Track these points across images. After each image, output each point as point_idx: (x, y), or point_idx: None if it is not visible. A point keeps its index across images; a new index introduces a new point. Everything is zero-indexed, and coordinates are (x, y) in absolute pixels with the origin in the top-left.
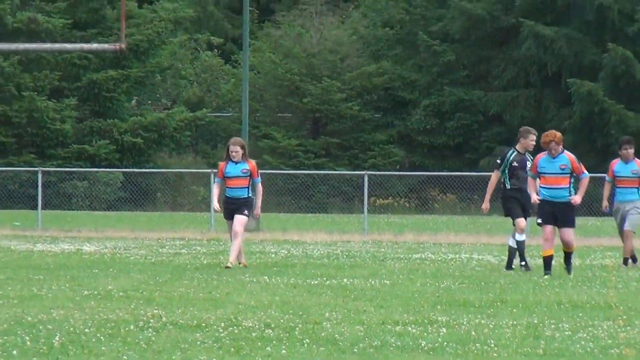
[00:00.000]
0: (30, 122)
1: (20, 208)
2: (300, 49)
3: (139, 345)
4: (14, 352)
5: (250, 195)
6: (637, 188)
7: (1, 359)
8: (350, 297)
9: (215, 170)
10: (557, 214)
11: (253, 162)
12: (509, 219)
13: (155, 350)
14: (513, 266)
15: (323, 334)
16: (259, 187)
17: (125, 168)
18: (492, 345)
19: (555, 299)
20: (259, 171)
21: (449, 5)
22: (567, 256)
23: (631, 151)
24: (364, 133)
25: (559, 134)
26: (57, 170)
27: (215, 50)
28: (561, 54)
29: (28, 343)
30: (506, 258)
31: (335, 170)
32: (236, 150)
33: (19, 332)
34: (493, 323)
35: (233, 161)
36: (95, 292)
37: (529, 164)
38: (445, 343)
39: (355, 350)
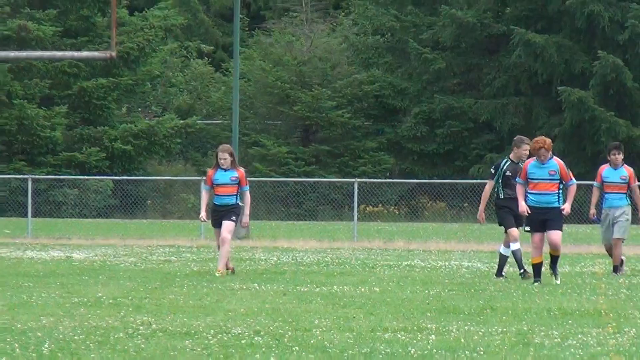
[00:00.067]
0: (21, 129)
1: (10, 216)
2: (290, 56)
3: (129, 353)
4: (3, 359)
5: (238, 202)
6: (625, 194)
7: None
8: (339, 304)
9: (205, 178)
10: (546, 219)
11: (242, 169)
12: (497, 227)
13: (145, 357)
14: (503, 273)
15: (312, 341)
16: (247, 195)
17: (115, 175)
18: (482, 352)
19: (545, 306)
20: (248, 179)
21: (440, 13)
22: (554, 260)
23: (620, 157)
24: (354, 141)
25: (548, 141)
26: (47, 177)
27: (206, 58)
28: (551, 62)
29: (17, 350)
30: (496, 265)
31: (325, 177)
32: (225, 158)
33: (8, 339)
34: (482, 330)
35: (222, 168)
36: (85, 300)
37: None
38: (434, 350)
39: (345, 357)
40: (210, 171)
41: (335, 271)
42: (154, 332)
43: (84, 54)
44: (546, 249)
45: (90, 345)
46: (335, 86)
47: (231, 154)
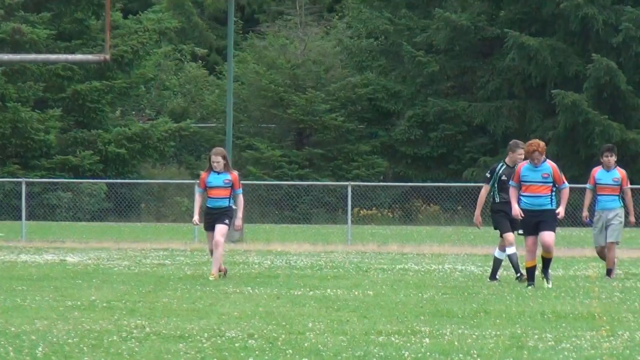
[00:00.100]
0: (14, 132)
1: (4, 219)
2: (284, 59)
3: (122, 356)
4: None
5: (231, 205)
6: (618, 196)
7: None
8: (333, 307)
9: (198, 181)
10: (539, 221)
11: (235, 172)
12: (491, 230)
13: None
14: (497, 277)
15: (306, 345)
16: (241, 198)
17: (109, 179)
18: (475, 355)
19: (539, 310)
20: (241, 182)
21: (434, 16)
22: (546, 264)
23: (612, 159)
24: (348, 144)
25: (542, 144)
26: (41, 181)
27: (200, 61)
28: (545, 65)
29: (11, 354)
30: (489, 269)
31: (319, 181)
32: (218, 161)
33: (2, 342)
34: (476, 333)
35: (215, 171)
36: (79, 303)
37: None
38: (428, 353)
39: None
40: (203, 174)
41: (329, 274)
42: (148, 335)
43: (78, 57)
44: (540, 252)
45: (84, 348)
46: (329, 89)
47: (224, 157)
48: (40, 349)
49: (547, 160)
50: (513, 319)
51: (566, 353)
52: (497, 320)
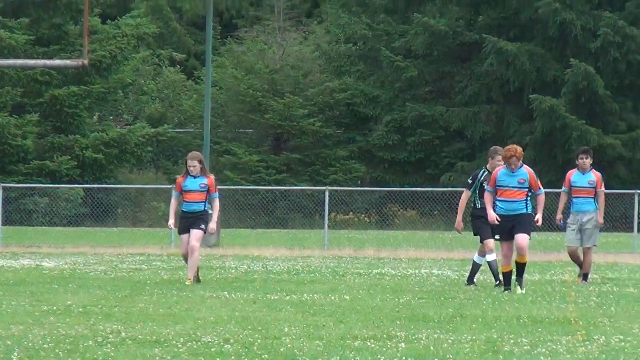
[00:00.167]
0: None
1: None
2: (262, 64)
3: None
4: None
5: (207, 209)
6: (594, 198)
7: None
8: (309, 312)
9: (175, 185)
10: (514, 225)
11: (211, 176)
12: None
13: None
14: (474, 281)
15: (282, 349)
16: (217, 202)
17: (86, 184)
18: None
19: (515, 314)
20: (218, 187)
21: (412, 21)
22: (520, 270)
23: (588, 161)
24: (326, 149)
25: (520, 149)
26: (18, 186)
27: (178, 66)
28: (523, 70)
29: None
30: (466, 273)
31: (296, 185)
32: (194, 165)
33: None
34: (452, 338)
35: (191, 175)
36: (55, 308)
37: None
38: (404, 358)
39: None
40: (179, 178)
41: (305, 279)
42: (124, 340)
43: (56, 62)
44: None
45: (60, 353)
46: (307, 94)
47: (200, 162)
48: (15, 354)
49: (524, 165)
50: (489, 324)
51: (542, 358)
52: (473, 325)
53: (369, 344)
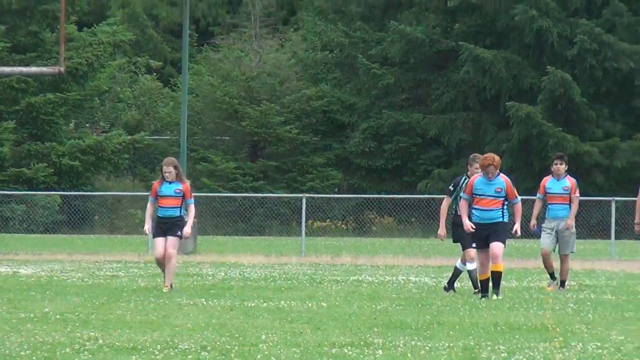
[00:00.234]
0: None
1: None
2: (239, 72)
3: None
4: None
5: (182, 215)
6: (569, 204)
7: None
8: (287, 319)
9: (151, 191)
10: (489, 233)
11: (187, 182)
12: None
13: None
14: (454, 286)
15: (259, 356)
16: (192, 208)
17: (63, 191)
18: None
19: (492, 321)
20: (195, 194)
21: (389, 29)
22: (496, 280)
23: (562, 167)
24: (302, 156)
25: (497, 158)
26: None
27: (154, 73)
28: (500, 77)
29: None
30: (443, 280)
31: (273, 193)
32: (169, 171)
33: None
34: (429, 345)
35: (167, 181)
36: (32, 315)
37: None
38: None
39: None
40: (155, 183)
41: (282, 286)
42: (101, 347)
43: (33, 69)
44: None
45: None
46: (284, 102)
47: (176, 167)
48: None
49: (501, 174)
50: (466, 331)
51: None
52: (451, 332)
53: (346, 351)
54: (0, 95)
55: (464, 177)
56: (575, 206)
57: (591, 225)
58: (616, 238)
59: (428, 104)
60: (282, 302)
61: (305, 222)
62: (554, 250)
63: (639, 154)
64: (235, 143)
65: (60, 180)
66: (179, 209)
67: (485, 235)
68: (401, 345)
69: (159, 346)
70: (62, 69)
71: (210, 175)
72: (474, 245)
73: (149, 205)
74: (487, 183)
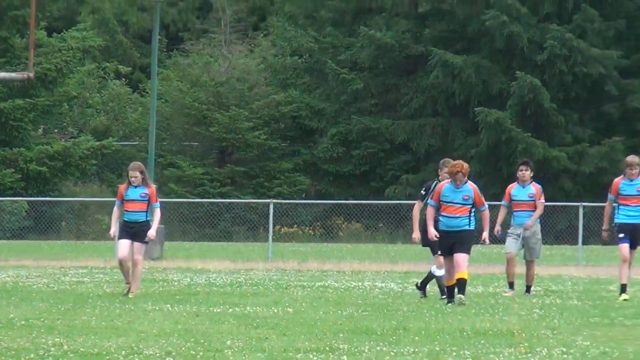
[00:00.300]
0: None
1: None
2: (208, 77)
3: None
4: None
5: (148, 219)
6: (534, 211)
7: None
8: (252, 324)
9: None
10: (455, 242)
11: (153, 187)
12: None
13: None
14: (426, 289)
15: None
16: (157, 212)
17: (30, 197)
18: None
19: (458, 327)
20: (163, 199)
21: (359, 34)
22: (461, 286)
23: (527, 173)
24: (270, 162)
25: (466, 165)
26: None
27: (123, 79)
28: (469, 82)
29: None
30: (409, 286)
31: (240, 198)
32: (135, 176)
33: None
34: (394, 350)
35: (133, 185)
36: None
37: None
38: None
39: None
40: (121, 187)
41: (248, 292)
42: (66, 353)
43: (1, 74)
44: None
45: None
46: (253, 107)
47: (142, 172)
48: None
49: (469, 182)
50: (432, 336)
51: None
52: (416, 338)
53: (311, 356)
54: None
55: (435, 182)
56: (539, 211)
57: (558, 230)
58: (583, 243)
59: (397, 109)
60: (248, 307)
61: (273, 227)
62: (517, 253)
63: (607, 160)
64: (203, 149)
65: (28, 186)
66: (145, 213)
67: (450, 244)
68: (366, 350)
69: (124, 352)
70: (31, 75)
71: (178, 181)
72: (439, 252)
73: (115, 209)
74: (454, 190)
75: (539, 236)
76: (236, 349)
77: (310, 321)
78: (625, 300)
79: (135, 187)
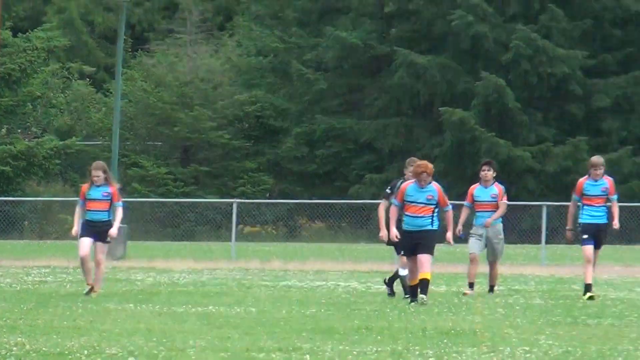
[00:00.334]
0: None
1: None
2: (172, 77)
3: None
4: None
5: (111, 218)
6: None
7: None
8: (215, 324)
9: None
10: (417, 242)
11: (115, 186)
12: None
13: None
14: (393, 287)
15: None
16: (119, 210)
17: None
18: None
19: (421, 326)
20: (126, 199)
21: (324, 34)
22: (424, 285)
23: (490, 173)
24: (234, 161)
25: (430, 166)
26: None
27: (87, 79)
28: (434, 82)
29: None
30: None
31: (204, 198)
32: (98, 175)
33: None
34: (357, 350)
35: (95, 184)
36: None
37: None
38: None
39: None
40: (84, 186)
41: (211, 291)
42: (28, 352)
43: None
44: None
45: None
46: (217, 107)
47: (105, 171)
48: None
49: (433, 182)
50: (395, 335)
51: None
52: (379, 337)
53: (273, 356)
54: None
55: (401, 180)
56: (501, 211)
57: (522, 230)
58: (547, 243)
59: (362, 109)
60: (211, 307)
61: (236, 227)
62: (478, 253)
63: (571, 159)
64: (167, 148)
65: None
66: (107, 212)
67: (413, 244)
68: (329, 350)
69: (86, 351)
70: None
71: (142, 181)
72: (402, 252)
73: (77, 208)
74: (418, 190)
75: (502, 236)
76: (198, 349)
77: (273, 321)
78: (590, 298)
79: (98, 186)
